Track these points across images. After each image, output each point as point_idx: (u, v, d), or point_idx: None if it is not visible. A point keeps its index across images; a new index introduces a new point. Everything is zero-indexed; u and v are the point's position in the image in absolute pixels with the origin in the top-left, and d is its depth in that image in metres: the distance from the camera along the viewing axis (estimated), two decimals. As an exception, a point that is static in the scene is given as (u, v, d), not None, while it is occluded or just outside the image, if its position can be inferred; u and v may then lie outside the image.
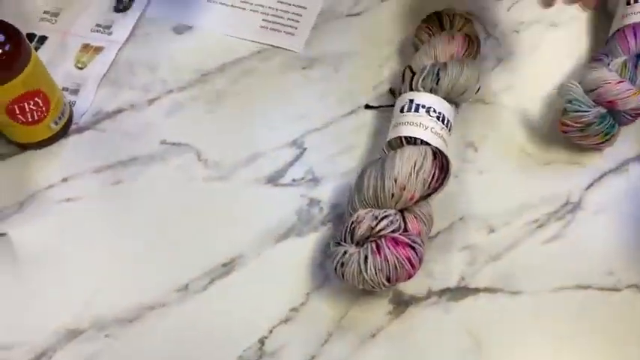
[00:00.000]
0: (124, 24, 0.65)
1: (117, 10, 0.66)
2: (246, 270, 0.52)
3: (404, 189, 0.48)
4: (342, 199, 0.55)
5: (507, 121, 0.60)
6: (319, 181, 0.57)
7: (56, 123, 0.56)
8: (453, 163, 0.57)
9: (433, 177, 0.49)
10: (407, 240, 0.47)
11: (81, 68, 0.62)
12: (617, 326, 0.50)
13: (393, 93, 0.60)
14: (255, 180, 0.57)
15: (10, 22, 0.52)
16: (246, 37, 0.65)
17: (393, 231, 0.48)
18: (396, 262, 0.46)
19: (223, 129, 0.60)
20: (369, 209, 0.49)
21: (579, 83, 0.55)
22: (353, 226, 0.48)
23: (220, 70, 0.63)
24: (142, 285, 0.52)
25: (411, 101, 0.54)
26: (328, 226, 0.54)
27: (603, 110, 0.54)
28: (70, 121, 0.58)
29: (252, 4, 0.68)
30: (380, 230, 0.47)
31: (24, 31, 0.53)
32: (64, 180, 0.56)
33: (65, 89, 0.61)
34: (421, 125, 0.53)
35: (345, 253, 0.48)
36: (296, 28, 0.66)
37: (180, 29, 0.65)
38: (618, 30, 0.59)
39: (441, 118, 0.53)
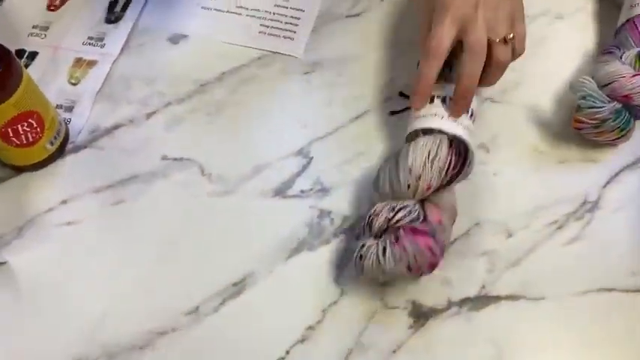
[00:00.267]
0: (117, 35, 0.63)
1: (108, 21, 0.64)
2: (258, 288, 0.50)
3: (419, 179, 0.47)
4: (353, 209, 0.54)
5: (518, 120, 0.58)
6: (328, 191, 0.55)
7: (52, 143, 0.54)
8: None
9: (450, 165, 0.48)
10: (425, 229, 0.46)
11: (74, 84, 0.60)
12: (644, 329, 0.49)
13: (404, 95, 0.58)
14: (261, 193, 0.55)
15: (-3, 39, 0.49)
16: (244, 43, 0.63)
17: (411, 221, 0.47)
18: (416, 251, 0.45)
19: (225, 141, 0.57)
20: (386, 202, 0.48)
21: (592, 78, 0.54)
22: (371, 219, 0.48)
23: (219, 80, 0.61)
24: (150, 309, 0.50)
25: None
26: (341, 237, 0.52)
27: (618, 105, 0.53)
28: (66, 140, 0.56)
29: (248, 9, 0.65)
30: (397, 221, 0.47)
31: (12, 48, 0.50)
32: (64, 202, 0.54)
33: (59, 107, 0.59)
34: (436, 115, 0.51)
35: (364, 246, 0.47)
36: (295, 32, 0.64)
37: (175, 39, 0.63)
38: (628, 20, 0.57)
39: None
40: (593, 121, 0.53)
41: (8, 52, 0.48)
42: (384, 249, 0.46)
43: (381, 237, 0.47)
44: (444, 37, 0.48)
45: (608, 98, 0.53)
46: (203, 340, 0.48)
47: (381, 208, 0.48)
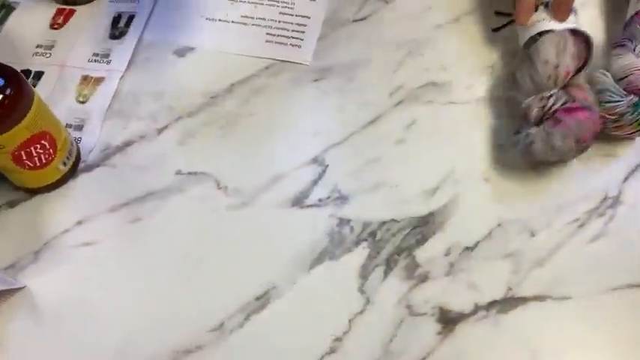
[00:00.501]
0: (123, 51, 0.62)
1: (113, 36, 0.63)
2: (281, 301, 0.50)
3: (557, 67, 0.51)
4: (372, 216, 0.53)
5: (533, 118, 0.57)
6: (346, 198, 0.54)
7: (64, 164, 0.53)
8: (482, 164, 0.55)
9: (579, 50, 0.52)
10: (579, 105, 0.50)
11: (83, 102, 0.59)
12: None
13: (501, 14, 0.62)
14: (279, 204, 0.54)
15: (2, 60, 0.48)
16: (252, 53, 0.62)
17: (562, 104, 0.51)
18: (579, 124, 0.49)
19: (239, 153, 0.57)
20: (532, 97, 0.52)
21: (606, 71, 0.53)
22: (524, 112, 0.52)
23: (229, 91, 0.60)
24: (174, 327, 0.49)
25: None
26: (363, 245, 0.52)
27: (635, 98, 0.52)
28: (78, 159, 0.55)
29: (253, 18, 0.65)
30: (551, 107, 0.51)
31: (18, 69, 0.49)
32: (79, 223, 0.53)
33: (69, 126, 0.58)
34: (544, 20, 0.54)
35: (528, 135, 0.51)
36: (302, 40, 0.63)
37: (181, 51, 0.63)
38: (637, 13, 0.57)
39: None
40: (612, 115, 0.52)
41: (17, 72, 0.48)
42: (549, 132, 0.50)
43: (539, 125, 0.51)
44: None
45: (625, 92, 0.52)
46: (230, 357, 0.48)
47: (530, 101, 0.52)
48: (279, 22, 0.64)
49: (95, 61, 0.62)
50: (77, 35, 0.63)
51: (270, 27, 0.64)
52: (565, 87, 0.52)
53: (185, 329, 0.49)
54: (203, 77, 0.61)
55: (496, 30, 0.62)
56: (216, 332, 0.49)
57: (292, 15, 0.65)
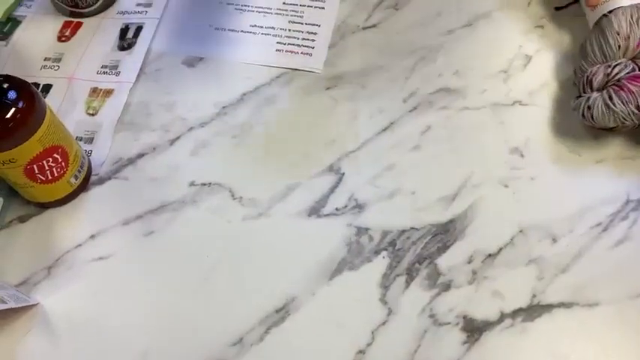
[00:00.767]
0: (132, 62, 0.61)
1: (121, 48, 0.63)
2: (301, 313, 0.48)
3: (628, 38, 0.52)
4: (391, 224, 0.52)
5: (548, 121, 0.57)
6: (364, 207, 0.53)
7: (76, 177, 0.52)
8: (500, 171, 0.54)
9: None
10: None
11: (93, 114, 0.58)
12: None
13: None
14: (296, 213, 0.53)
15: (10, 73, 0.47)
16: (262, 62, 0.62)
17: (627, 73, 0.51)
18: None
19: (253, 162, 0.56)
20: (599, 65, 0.53)
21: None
22: (589, 78, 0.53)
23: (241, 101, 0.59)
24: (193, 342, 0.48)
25: None
26: (382, 254, 0.51)
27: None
28: (89, 173, 0.55)
29: (262, 27, 0.64)
30: (616, 75, 0.52)
31: (26, 82, 0.49)
32: (92, 237, 0.52)
33: (79, 139, 0.57)
34: None
35: (589, 98, 0.52)
36: (313, 48, 0.62)
37: (191, 62, 0.62)
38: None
39: None
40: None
41: (29, 85, 0.47)
42: (610, 96, 0.51)
43: (601, 91, 0.52)
44: None
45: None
46: (251, 371, 0.47)
47: (596, 69, 0.53)
48: (289, 30, 0.64)
49: (104, 73, 0.61)
50: (85, 47, 0.63)
51: (280, 36, 0.63)
52: (633, 59, 0.53)
53: (204, 344, 0.48)
54: (214, 87, 0.60)
55: (559, 9, 0.63)
56: (236, 347, 0.47)
57: (302, 23, 0.64)
